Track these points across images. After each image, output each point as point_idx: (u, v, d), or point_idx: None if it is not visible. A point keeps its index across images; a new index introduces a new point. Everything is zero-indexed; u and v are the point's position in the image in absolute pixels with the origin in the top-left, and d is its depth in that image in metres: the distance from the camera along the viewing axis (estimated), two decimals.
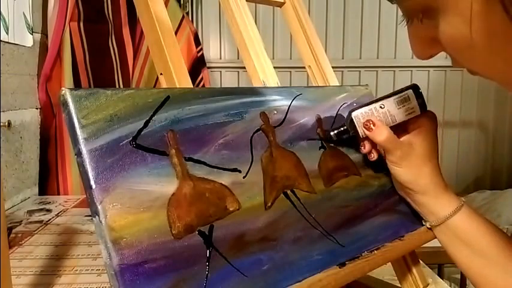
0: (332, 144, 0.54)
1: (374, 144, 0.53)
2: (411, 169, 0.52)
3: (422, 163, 0.52)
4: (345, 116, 0.55)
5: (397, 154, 0.52)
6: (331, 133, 0.54)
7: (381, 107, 0.52)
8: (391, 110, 0.52)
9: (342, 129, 0.54)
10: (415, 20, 0.36)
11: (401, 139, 0.53)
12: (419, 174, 0.52)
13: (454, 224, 0.52)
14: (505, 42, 0.30)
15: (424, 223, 0.56)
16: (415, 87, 0.52)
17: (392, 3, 0.37)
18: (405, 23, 0.38)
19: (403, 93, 0.52)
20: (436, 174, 0.53)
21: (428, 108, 0.53)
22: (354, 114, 0.53)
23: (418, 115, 0.52)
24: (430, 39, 0.36)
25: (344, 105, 0.58)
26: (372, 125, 0.51)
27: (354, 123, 0.53)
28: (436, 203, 0.53)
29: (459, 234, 0.52)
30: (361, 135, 0.53)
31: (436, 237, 0.56)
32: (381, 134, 0.51)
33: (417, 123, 0.53)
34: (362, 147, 0.54)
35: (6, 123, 1.12)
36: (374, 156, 0.54)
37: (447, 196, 0.53)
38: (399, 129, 0.54)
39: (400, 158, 0.52)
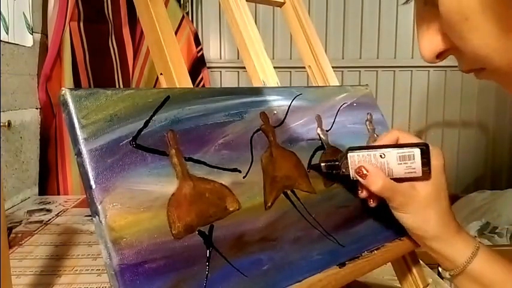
0: (332, 145, 0.54)
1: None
2: (417, 215, 0.48)
3: (429, 207, 0.48)
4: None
5: (398, 200, 0.48)
6: (322, 164, 0.50)
7: (381, 156, 0.48)
8: (390, 163, 0.48)
9: (334, 164, 0.50)
10: (419, 2, 0.35)
11: (403, 183, 0.49)
12: (426, 220, 0.49)
13: (474, 270, 0.48)
14: (500, 8, 0.29)
15: (442, 274, 0.52)
16: (423, 150, 0.47)
17: None
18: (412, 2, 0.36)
19: (409, 149, 0.47)
20: (446, 216, 0.49)
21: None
22: (350, 154, 0.49)
23: (419, 177, 0.48)
24: (435, 30, 0.36)
25: (344, 105, 0.58)
26: (365, 172, 0.47)
27: (347, 164, 0.49)
28: (450, 249, 0.49)
29: (480, 280, 0.48)
30: (352, 177, 0.49)
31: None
32: (376, 183, 0.47)
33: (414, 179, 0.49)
34: (360, 192, 0.50)
35: (6, 123, 1.12)
36: (372, 203, 0.50)
37: (461, 240, 0.49)
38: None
39: (402, 204, 0.48)
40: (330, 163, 0.50)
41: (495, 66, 0.33)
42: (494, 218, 1.69)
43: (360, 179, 0.48)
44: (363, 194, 0.49)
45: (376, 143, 0.53)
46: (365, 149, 0.49)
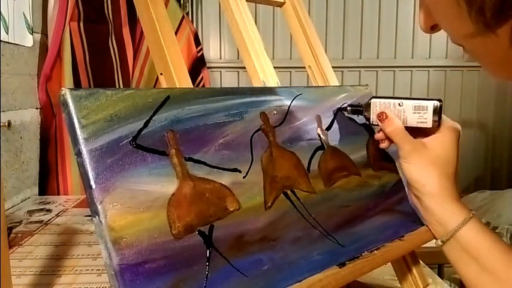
0: (332, 145, 0.54)
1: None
2: (420, 167, 0.52)
3: (434, 165, 0.52)
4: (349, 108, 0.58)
5: (405, 148, 0.52)
6: (348, 107, 0.57)
7: (399, 104, 0.54)
8: (406, 111, 0.54)
9: (358, 108, 0.57)
10: None
11: (417, 138, 0.54)
12: (427, 175, 0.52)
13: (463, 237, 0.51)
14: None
15: (435, 244, 0.54)
16: (437, 104, 0.53)
17: None
18: None
19: (424, 101, 0.53)
20: (448, 181, 0.52)
21: None
22: (373, 100, 0.56)
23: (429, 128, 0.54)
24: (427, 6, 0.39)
25: (344, 105, 0.58)
26: (384, 117, 0.53)
27: (369, 107, 0.55)
28: (444, 211, 0.52)
29: (468, 248, 0.50)
30: (371, 121, 0.56)
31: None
32: (391, 126, 0.53)
33: (438, 130, 0.54)
34: (376, 133, 0.56)
35: (6, 123, 1.12)
36: (385, 144, 0.55)
37: (456, 206, 0.52)
38: (418, 131, 0.54)
39: (409, 153, 0.52)
40: (355, 107, 0.57)
41: (467, 50, 0.38)
42: (494, 218, 1.69)
43: (379, 122, 0.54)
44: (379, 135, 0.55)
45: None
46: (387, 98, 0.56)
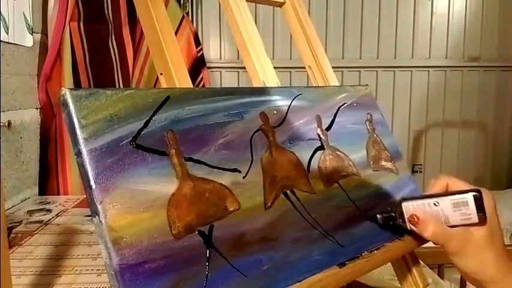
0: (332, 145, 0.54)
1: None
2: (473, 258, 0.48)
3: (485, 249, 0.48)
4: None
5: (453, 245, 0.48)
6: (378, 216, 0.52)
7: (435, 204, 0.49)
8: (445, 210, 0.49)
9: (390, 215, 0.52)
10: None
11: (457, 228, 0.49)
12: (483, 263, 0.48)
13: None
14: None
15: None
16: (477, 196, 0.48)
17: None
18: None
19: (462, 196, 0.48)
20: (503, 258, 0.49)
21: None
22: (404, 204, 0.50)
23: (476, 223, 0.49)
24: None
25: (344, 105, 0.58)
26: (416, 219, 0.49)
27: (403, 214, 0.51)
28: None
29: None
30: (408, 228, 0.51)
31: None
32: (427, 229, 0.48)
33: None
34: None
35: (6, 123, 1.12)
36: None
37: None
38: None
39: (458, 249, 0.48)
40: (386, 215, 0.52)
41: None
42: None
43: (412, 227, 0.49)
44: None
45: (427, 191, 0.53)
46: (418, 198, 0.51)
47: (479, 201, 0.48)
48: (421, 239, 0.52)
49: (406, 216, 0.50)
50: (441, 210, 0.49)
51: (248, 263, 0.39)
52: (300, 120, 0.51)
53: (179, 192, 0.37)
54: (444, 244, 0.49)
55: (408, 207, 0.50)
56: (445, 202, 0.49)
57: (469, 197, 0.48)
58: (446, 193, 0.50)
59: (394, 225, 0.52)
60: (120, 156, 0.34)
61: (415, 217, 0.49)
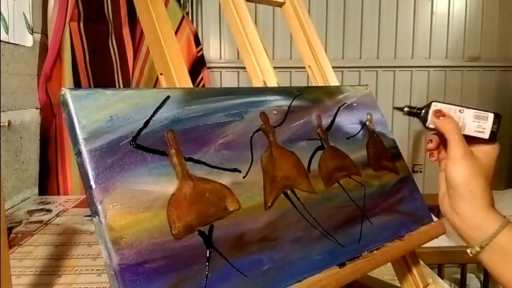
0: (332, 145, 0.54)
1: (438, 145, 0.55)
2: (469, 172, 0.52)
3: (480, 174, 0.52)
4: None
5: (460, 150, 0.52)
6: (405, 107, 0.56)
7: (460, 111, 0.54)
8: (466, 118, 0.54)
9: (416, 111, 0.56)
10: None
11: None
12: (473, 181, 0.52)
13: (502, 240, 0.50)
14: None
15: (470, 251, 0.53)
16: (498, 116, 0.53)
17: None
18: None
19: (485, 112, 0.53)
20: (488, 191, 0.53)
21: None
22: (434, 103, 0.55)
23: (485, 142, 0.54)
24: None
25: (344, 105, 0.58)
26: (441, 114, 0.53)
27: (429, 108, 0.55)
28: (483, 216, 0.52)
29: (508, 250, 0.50)
30: (428, 123, 0.55)
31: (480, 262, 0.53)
32: (449, 122, 0.52)
33: (479, 142, 0.54)
34: (429, 142, 0.55)
35: (6, 123, 1.12)
36: (434, 157, 0.55)
37: (493, 211, 0.52)
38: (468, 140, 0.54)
39: (462, 156, 0.52)
40: (412, 108, 0.56)
41: None
42: None
43: (435, 119, 0.53)
44: (431, 145, 0.55)
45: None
46: (447, 103, 0.55)
47: (497, 121, 0.53)
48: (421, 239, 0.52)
49: (430, 113, 0.54)
50: (463, 117, 0.54)
51: (248, 263, 0.39)
52: (300, 120, 0.51)
53: (179, 192, 0.37)
54: (454, 145, 0.52)
55: (436, 106, 0.55)
56: (469, 112, 0.54)
57: (491, 115, 0.53)
58: (473, 107, 0.54)
59: (417, 118, 0.57)
60: (120, 156, 0.34)
61: (441, 111, 0.53)
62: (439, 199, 0.56)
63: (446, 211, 0.55)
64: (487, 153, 0.54)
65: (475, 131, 0.53)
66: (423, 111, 0.55)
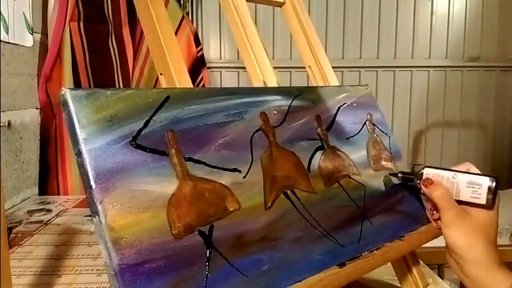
0: (332, 145, 0.54)
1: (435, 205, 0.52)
2: (465, 236, 0.50)
3: (478, 234, 0.50)
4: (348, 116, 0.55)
5: (450, 214, 0.50)
6: (399, 174, 0.56)
7: (453, 176, 0.52)
8: (459, 184, 0.52)
9: (410, 177, 0.55)
10: None
11: (464, 206, 0.52)
12: (472, 244, 0.50)
13: None
14: None
15: None
16: (494, 179, 0.51)
17: None
18: None
19: (480, 177, 0.52)
20: (492, 247, 0.50)
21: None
22: (426, 169, 0.53)
23: (482, 204, 0.51)
24: None
25: (344, 105, 0.58)
26: (430, 182, 0.51)
27: (422, 176, 0.53)
28: (491, 277, 0.49)
29: None
30: (422, 191, 0.53)
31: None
32: (437, 189, 0.51)
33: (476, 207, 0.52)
34: (427, 209, 0.53)
35: (6, 123, 1.12)
36: (435, 215, 0.53)
37: (502, 271, 0.49)
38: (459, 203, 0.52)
39: (453, 220, 0.50)
40: (407, 175, 0.55)
41: None
42: None
43: (424, 188, 0.52)
44: (428, 207, 0.53)
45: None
46: (441, 169, 0.53)
47: (493, 187, 0.51)
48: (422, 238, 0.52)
49: (424, 177, 0.53)
50: (456, 183, 0.52)
51: (248, 263, 0.39)
52: (300, 120, 0.51)
53: (179, 192, 0.37)
54: (443, 209, 0.50)
55: (428, 173, 0.53)
56: (462, 178, 0.52)
57: (486, 180, 0.51)
58: (467, 172, 0.53)
59: (410, 185, 0.55)
60: (120, 156, 0.34)
61: (429, 180, 0.52)
62: (446, 258, 0.54)
63: (455, 271, 0.53)
64: (487, 211, 0.51)
65: (470, 197, 0.51)
66: (416, 179, 0.54)
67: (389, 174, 0.58)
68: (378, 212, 0.54)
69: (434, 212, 0.53)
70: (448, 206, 0.50)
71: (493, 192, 0.51)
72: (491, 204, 0.51)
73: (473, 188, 0.51)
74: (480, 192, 0.51)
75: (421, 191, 0.53)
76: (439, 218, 0.52)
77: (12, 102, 1.16)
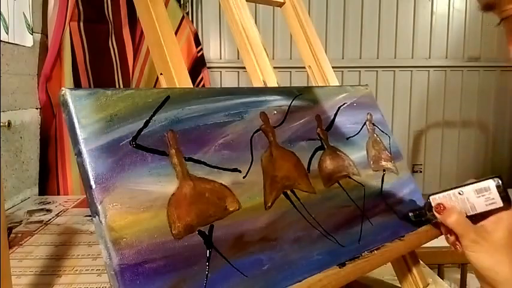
0: (332, 145, 0.54)
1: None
2: (490, 255, 0.49)
3: (503, 250, 0.49)
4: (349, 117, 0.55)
5: (469, 237, 0.49)
6: (410, 213, 0.55)
7: (459, 193, 0.52)
8: (470, 198, 0.51)
9: (421, 211, 0.54)
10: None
11: (478, 224, 0.51)
12: (498, 261, 0.49)
13: None
14: None
15: None
16: (498, 178, 0.50)
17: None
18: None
19: (483, 182, 0.51)
20: None
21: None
22: (432, 197, 0.53)
23: (501, 207, 0.50)
24: None
25: (344, 105, 0.58)
26: (442, 208, 0.51)
27: (431, 206, 0.53)
28: None
29: None
30: (438, 220, 0.52)
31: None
32: (450, 216, 0.50)
33: (496, 212, 0.51)
34: (447, 235, 0.53)
35: (6, 123, 1.12)
36: (452, 239, 0.52)
37: None
38: (478, 216, 0.52)
39: (474, 242, 0.49)
40: (418, 211, 0.55)
41: None
42: None
43: (437, 215, 0.51)
44: (444, 233, 0.52)
45: None
46: (444, 191, 0.53)
47: (501, 185, 0.50)
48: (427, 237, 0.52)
49: (434, 209, 0.52)
50: (466, 198, 0.51)
51: (248, 263, 0.39)
52: (300, 120, 0.51)
53: (179, 192, 0.37)
54: (463, 234, 0.50)
55: (435, 199, 0.53)
56: (468, 190, 0.51)
57: (490, 182, 0.50)
58: (469, 183, 0.52)
59: (426, 220, 0.55)
60: (120, 156, 0.34)
61: (441, 205, 0.51)
62: (480, 284, 0.53)
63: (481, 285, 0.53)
64: (500, 221, 0.51)
65: (486, 205, 0.50)
66: (426, 210, 0.53)
67: (404, 216, 0.56)
68: (378, 212, 0.54)
69: (449, 235, 0.52)
70: (465, 229, 0.50)
71: (503, 190, 0.50)
72: (508, 202, 0.50)
73: (484, 195, 0.50)
74: (493, 197, 0.50)
75: (438, 220, 0.52)
76: (457, 240, 0.51)
77: (12, 102, 1.16)
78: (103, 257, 0.32)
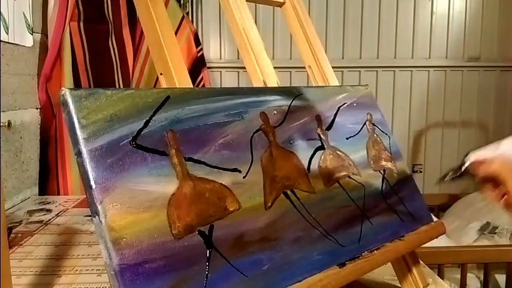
0: (332, 145, 0.54)
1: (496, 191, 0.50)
2: None
3: None
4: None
5: None
6: (450, 172, 0.55)
7: (497, 146, 0.52)
8: (509, 150, 0.50)
9: (457, 169, 0.54)
10: None
11: None
12: None
13: None
14: None
15: None
16: None
17: None
18: None
19: None
20: None
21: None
22: (471, 153, 0.53)
23: None
24: None
25: (344, 105, 0.58)
26: (478, 165, 0.50)
27: (469, 162, 0.53)
28: None
29: None
30: (479, 173, 0.52)
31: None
32: (491, 165, 0.49)
33: None
34: (487, 192, 0.52)
35: (6, 123, 1.12)
36: (506, 199, 0.50)
37: None
38: None
39: None
40: (458, 167, 0.54)
41: None
42: (494, 218, 1.69)
43: (478, 171, 0.50)
44: (485, 194, 0.52)
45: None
46: (483, 148, 0.53)
47: None
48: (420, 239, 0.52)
49: (470, 162, 0.52)
50: (504, 150, 0.51)
51: (248, 263, 0.39)
52: (300, 120, 0.51)
53: (179, 192, 0.37)
54: (504, 179, 0.48)
55: (474, 155, 0.52)
56: (506, 142, 0.51)
57: None
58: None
59: (466, 176, 0.54)
60: (120, 156, 0.34)
61: (476, 161, 0.51)
62: None
63: None
64: None
65: None
66: (462, 166, 0.53)
67: (440, 179, 0.55)
68: (378, 212, 0.54)
69: (491, 190, 0.51)
70: (506, 172, 0.48)
71: None
72: None
73: None
74: None
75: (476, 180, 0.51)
76: (503, 196, 0.49)
77: (12, 102, 1.16)
78: (103, 257, 0.32)
